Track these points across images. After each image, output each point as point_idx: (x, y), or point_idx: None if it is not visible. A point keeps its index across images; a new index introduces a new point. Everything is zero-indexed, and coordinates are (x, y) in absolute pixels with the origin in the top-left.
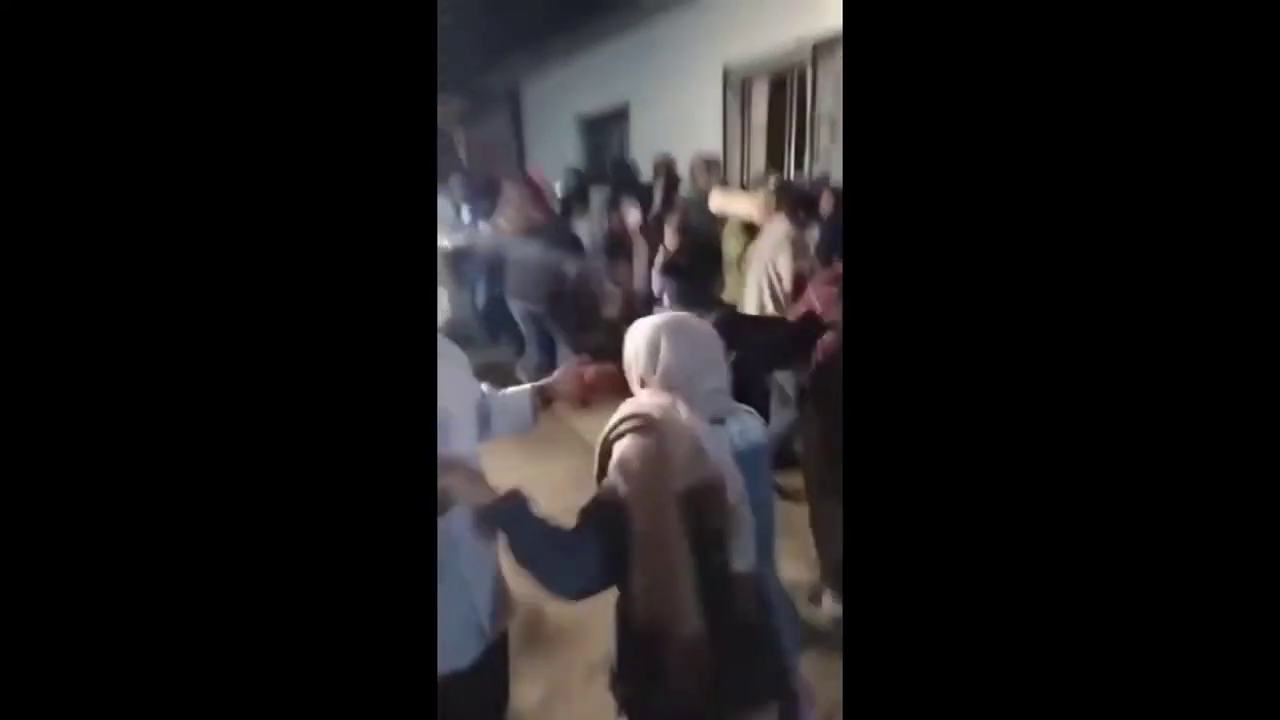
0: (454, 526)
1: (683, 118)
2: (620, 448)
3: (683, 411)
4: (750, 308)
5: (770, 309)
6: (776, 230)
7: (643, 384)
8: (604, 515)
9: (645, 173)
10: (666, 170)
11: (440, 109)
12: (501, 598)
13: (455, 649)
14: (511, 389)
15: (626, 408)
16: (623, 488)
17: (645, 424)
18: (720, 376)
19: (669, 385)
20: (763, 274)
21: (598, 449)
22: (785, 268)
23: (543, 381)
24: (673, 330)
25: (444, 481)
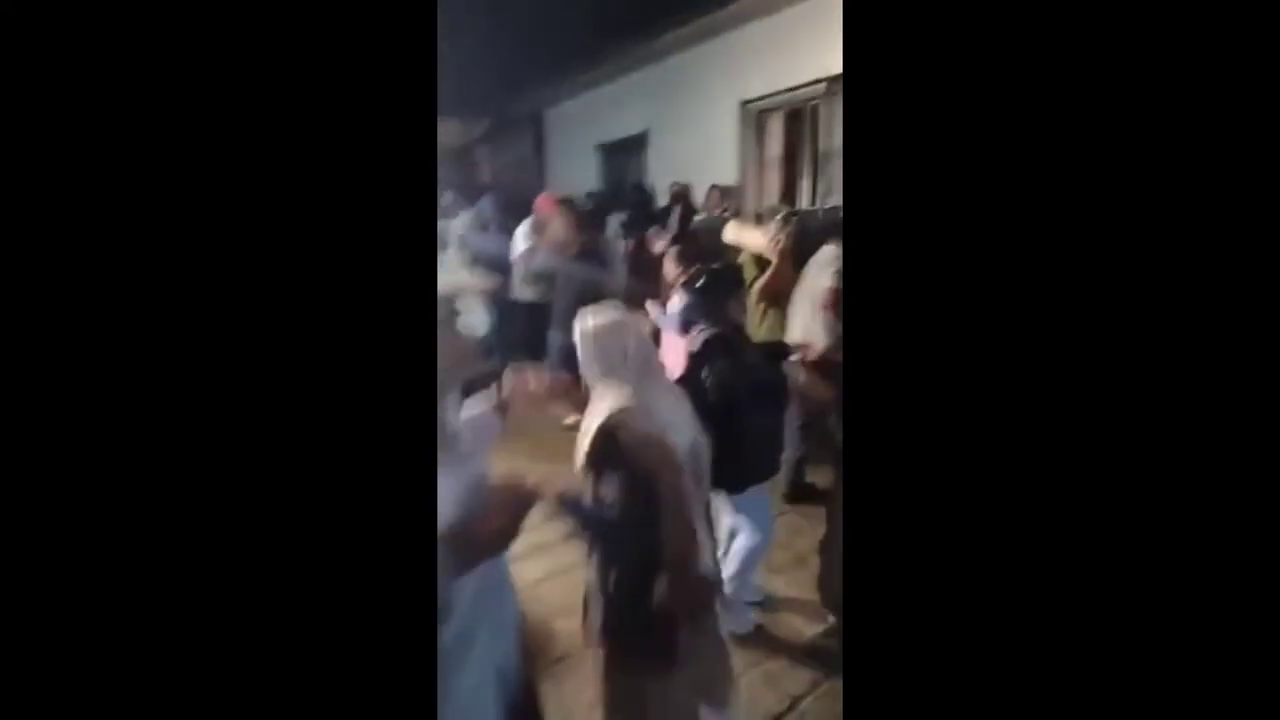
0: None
1: (700, 148)
2: (626, 432)
3: (666, 391)
4: (797, 327)
5: (819, 325)
6: (826, 253)
7: (603, 376)
8: (638, 489)
9: (662, 199)
10: (683, 197)
11: (465, 128)
12: (522, 644)
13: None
14: (475, 413)
15: (616, 400)
16: (647, 462)
17: (643, 410)
18: (658, 358)
19: (640, 372)
20: (807, 295)
21: (590, 439)
22: (824, 286)
23: (498, 399)
24: (624, 327)
25: (530, 482)
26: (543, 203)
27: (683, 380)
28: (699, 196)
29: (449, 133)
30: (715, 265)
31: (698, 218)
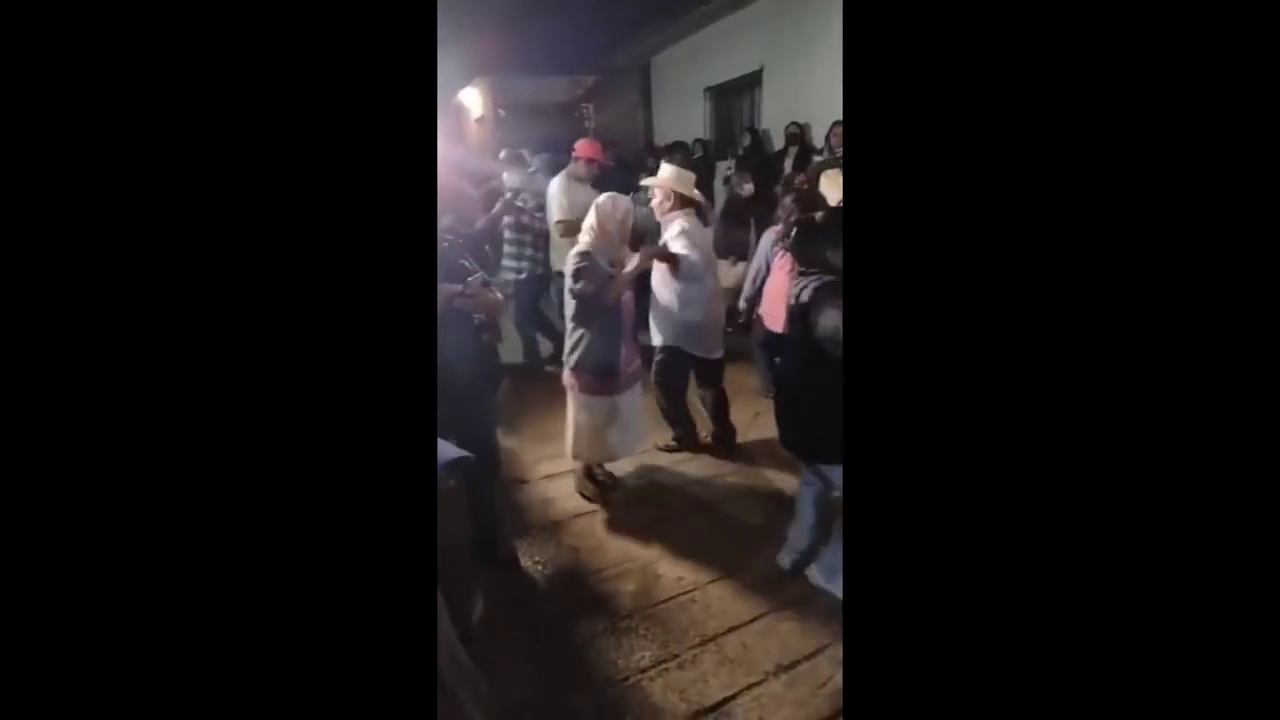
0: None
1: (823, 83)
2: None
3: None
4: None
5: None
6: None
7: None
8: None
9: (778, 141)
10: (799, 139)
11: (571, 86)
12: None
13: None
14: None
15: None
16: None
17: None
18: None
19: None
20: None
21: None
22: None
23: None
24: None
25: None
26: (584, 149)
27: (789, 331)
28: (819, 137)
29: (554, 91)
30: (819, 213)
31: (818, 158)
